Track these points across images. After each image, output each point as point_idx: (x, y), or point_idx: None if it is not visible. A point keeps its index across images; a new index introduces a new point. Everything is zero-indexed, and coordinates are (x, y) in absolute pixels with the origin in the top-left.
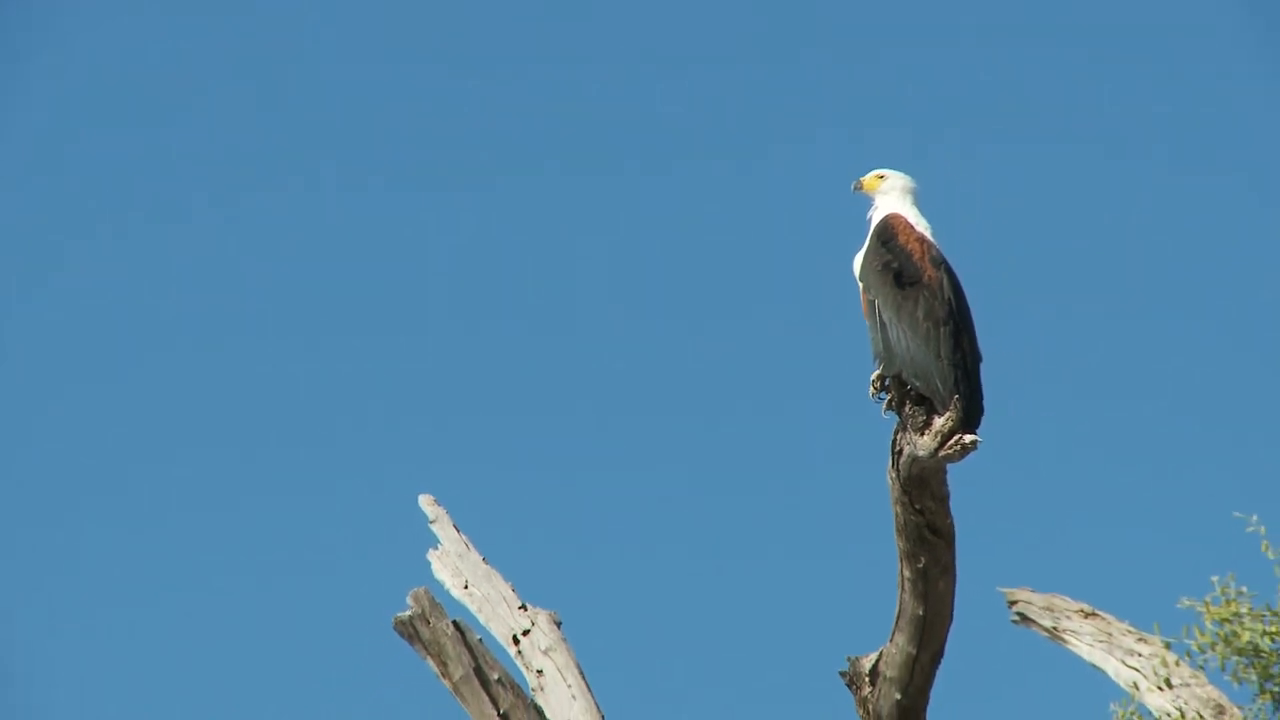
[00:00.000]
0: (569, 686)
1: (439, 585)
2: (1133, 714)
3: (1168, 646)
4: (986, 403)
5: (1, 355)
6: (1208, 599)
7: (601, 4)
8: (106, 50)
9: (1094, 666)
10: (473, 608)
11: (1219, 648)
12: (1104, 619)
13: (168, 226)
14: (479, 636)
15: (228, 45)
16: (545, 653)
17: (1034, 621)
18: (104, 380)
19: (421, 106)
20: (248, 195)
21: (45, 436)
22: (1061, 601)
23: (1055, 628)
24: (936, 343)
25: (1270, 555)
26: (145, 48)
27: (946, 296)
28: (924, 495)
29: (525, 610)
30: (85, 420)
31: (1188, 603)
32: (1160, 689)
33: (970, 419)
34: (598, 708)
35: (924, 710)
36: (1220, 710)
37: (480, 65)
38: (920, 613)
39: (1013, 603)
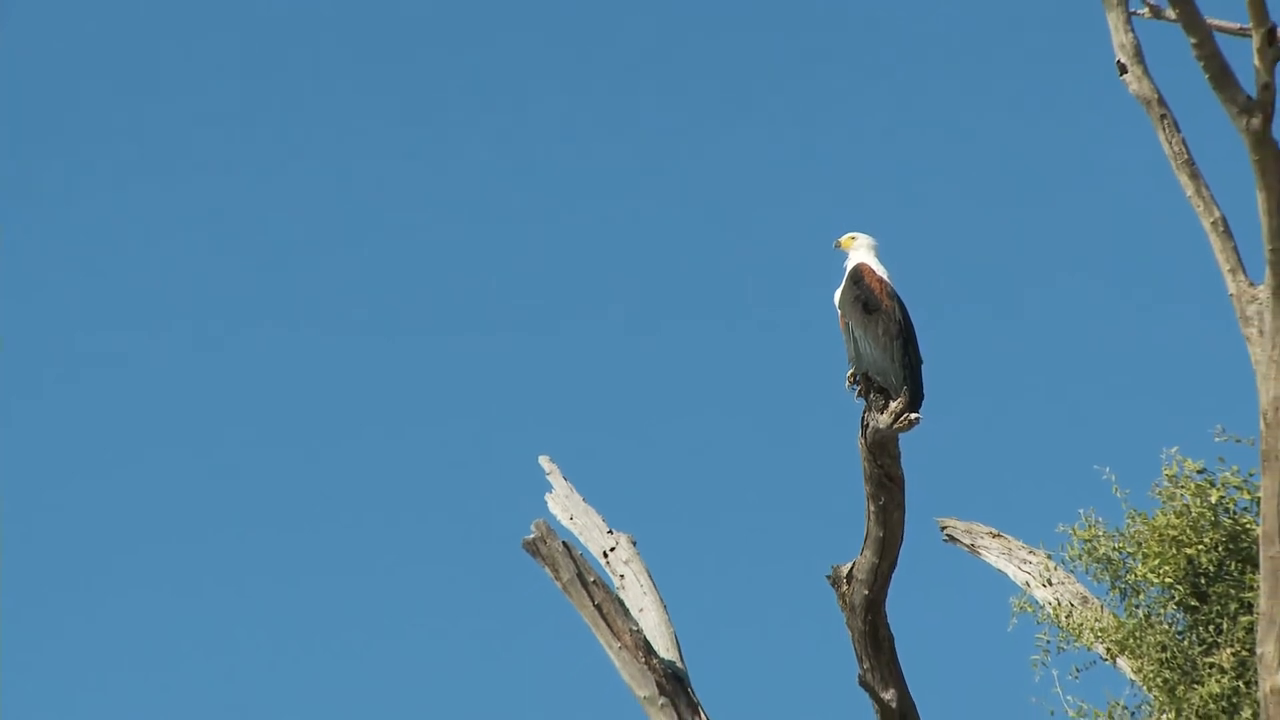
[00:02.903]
0: (641, 586)
1: (553, 517)
2: (1025, 603)
3: (1049, 557)
4: (926, 391)
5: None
6: (1076, 524)
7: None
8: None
9: (999, 571)
10: (576, 532)
11: (1084, 558)
12: (1005, 538)
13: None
14: (580, 552)
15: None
16: (625, 563)
17: (958, 540)
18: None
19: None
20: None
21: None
22: (977, 526)
23: (973, 544)
24: (891, 351)
25: (1118, 495)
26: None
27: (898, 319)
28: (883, 455)
29: (611, 534)
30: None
31: (1063, 527)
32: (1044, 586)
33: (914, 403)
34: (662, 601)
35: (884, 602)
36: (1085, 600)
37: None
38: (881, 535)
39: (943, 527)
